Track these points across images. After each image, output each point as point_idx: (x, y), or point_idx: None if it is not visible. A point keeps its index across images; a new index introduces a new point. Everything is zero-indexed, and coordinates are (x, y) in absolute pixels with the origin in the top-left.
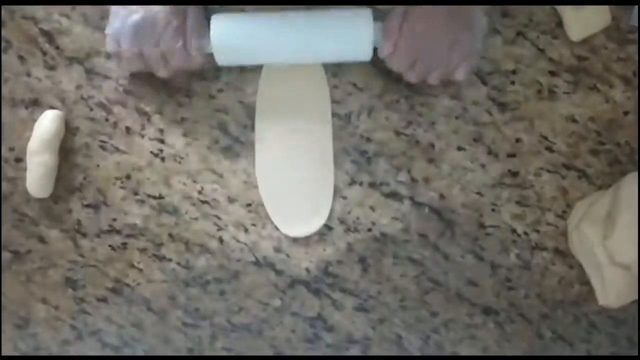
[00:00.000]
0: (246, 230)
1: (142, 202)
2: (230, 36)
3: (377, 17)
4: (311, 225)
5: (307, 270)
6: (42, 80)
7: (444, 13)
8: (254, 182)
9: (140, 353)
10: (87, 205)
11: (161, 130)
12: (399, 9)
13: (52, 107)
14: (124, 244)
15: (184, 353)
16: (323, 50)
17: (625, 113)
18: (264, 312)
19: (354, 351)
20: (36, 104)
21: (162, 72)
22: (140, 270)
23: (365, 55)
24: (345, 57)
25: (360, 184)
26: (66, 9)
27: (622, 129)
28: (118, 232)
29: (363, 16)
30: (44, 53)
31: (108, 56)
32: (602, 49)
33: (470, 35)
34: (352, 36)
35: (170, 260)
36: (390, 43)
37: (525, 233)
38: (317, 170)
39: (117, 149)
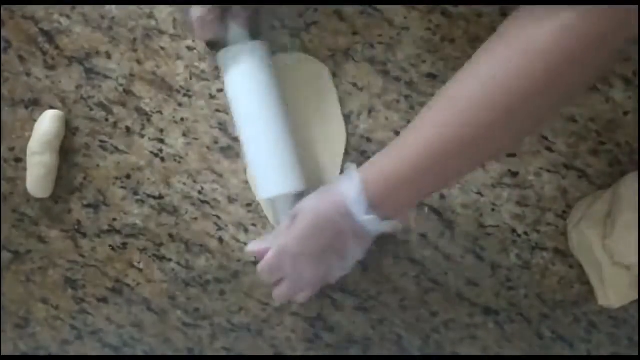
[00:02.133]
0: (246, 230)
1: (142, 202)
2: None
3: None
4: None
5: None
6: (42, 80)
7: (321, 243)
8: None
9: (140, 353)
10: (87, 205)
11: (161, 130)
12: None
13: (52, 107)
14: (124, 244)
15: (184, 353)
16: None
17: (626, 113)
18: (264, 312)
19: (354, 351)
20: (36, 104)
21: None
22: (140, 270)
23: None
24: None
25: None
26: (66, 9)
27: (622, 129)
28: (118, 232)
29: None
30: (44, 53)
31: (108, 56)
32: None
33: (342, 264)
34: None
35: (170, 260)
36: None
37: (525, 233)
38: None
39: (117, 149)
